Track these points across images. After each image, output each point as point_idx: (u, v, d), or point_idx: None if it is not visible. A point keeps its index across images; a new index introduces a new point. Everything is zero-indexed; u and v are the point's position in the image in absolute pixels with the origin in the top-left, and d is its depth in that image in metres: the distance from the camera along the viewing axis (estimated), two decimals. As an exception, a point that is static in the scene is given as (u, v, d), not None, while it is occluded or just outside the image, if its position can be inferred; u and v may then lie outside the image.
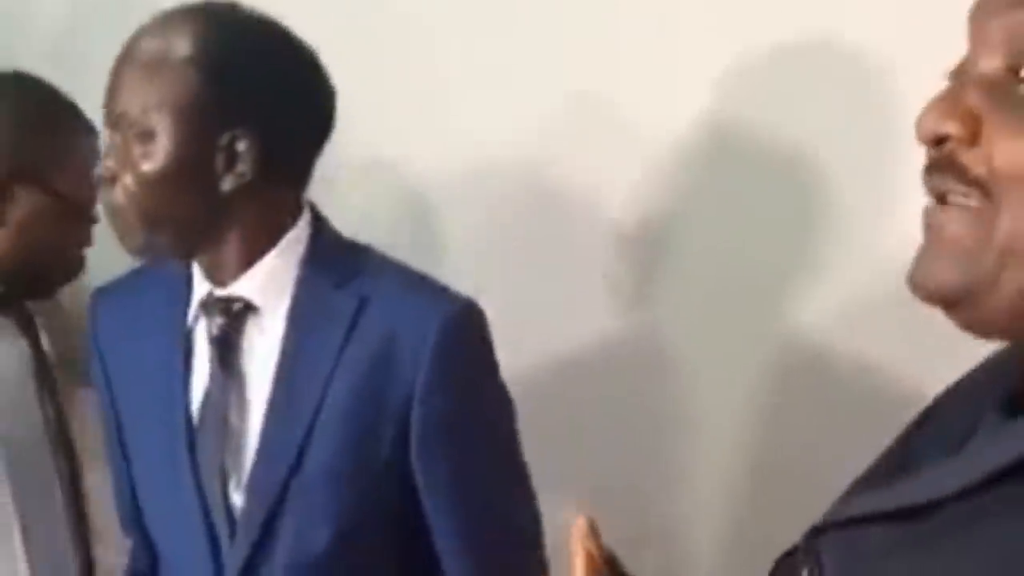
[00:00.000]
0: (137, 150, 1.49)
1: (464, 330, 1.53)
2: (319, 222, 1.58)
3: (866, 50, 1.70)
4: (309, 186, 1.59)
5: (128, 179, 1.50)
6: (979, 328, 0.87)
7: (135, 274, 1.67)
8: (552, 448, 1.67)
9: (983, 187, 0.84)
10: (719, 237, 1.89)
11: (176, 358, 1.58)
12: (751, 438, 1.89)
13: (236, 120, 1.48)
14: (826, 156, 1.78)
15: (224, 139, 1.49)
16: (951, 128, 0.85)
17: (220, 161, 1.49)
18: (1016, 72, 0.84)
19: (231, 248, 1.53)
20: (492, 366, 1.56)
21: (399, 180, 2.18)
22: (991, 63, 0.85)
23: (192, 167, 1.49)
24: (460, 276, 1.66)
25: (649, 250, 1.98)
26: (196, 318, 1.57)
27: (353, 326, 1.51)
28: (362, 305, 1.52)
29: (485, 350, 1.55)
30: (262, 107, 1.50)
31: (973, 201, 0.84)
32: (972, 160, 0.84)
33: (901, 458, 0.94)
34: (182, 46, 1.49)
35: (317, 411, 1.51)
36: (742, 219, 1.86)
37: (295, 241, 1.55)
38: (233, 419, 1.54)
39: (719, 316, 1.90)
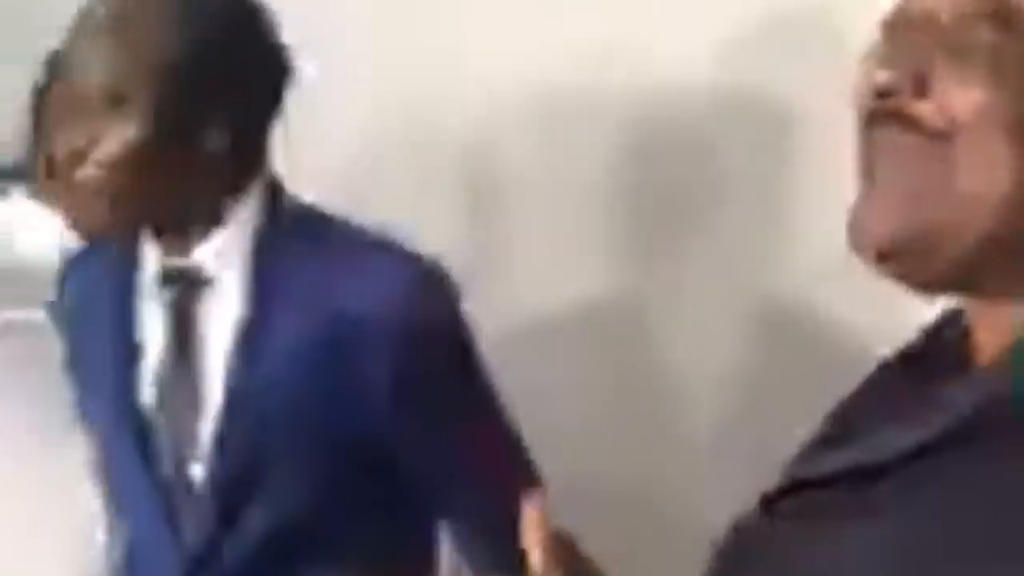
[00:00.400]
0: (108, 121, 1.44)
1: (427, 290, 1.50)
2: (275, 189, 1.54)
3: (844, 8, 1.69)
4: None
5: (97, 154, 1.44)
6: (926, 281, 0.85)
7: (100, 245, 1.63)
8: (537, 410, 1.67)
9: (942, 136, 0.82)
10: (700, 200, 1.89)
11: (126, 332, 1.54)
12: (731, 399, 1.89)
13: (214, 92, 1.45)
14: (804, 115, 1.77)
15: (201, 109, 1.45)
16: (899, 81, 0.83)
17: (195, 133, 1.45)
18: (970, 32, 0.82)
19: (193, 221, 1.49)
20: (457, 323, 1.53)
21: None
22: (945, 13, 0.83)
23: (169, 138, 1.45)
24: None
25: (632, 213, 1.97)
26: (149, 290, 1.53)
27: (314, 292, 1.47)
28: (322, 270, 1.48)
29: (449, 308, 1.52)
30: (238, 82, 1.47)
31: (921, 150, 0.82)
32: (925, 112, 0.82)
33: (850, 421, 0.93)
34: (158, 11, 1.45)
35: (281, 377, 1.47)
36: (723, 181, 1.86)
37: (248, 209, 1.51)
38: (188, 390, 1.51)
39: (699, 277, 1.90)
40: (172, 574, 1.52)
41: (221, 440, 1.49)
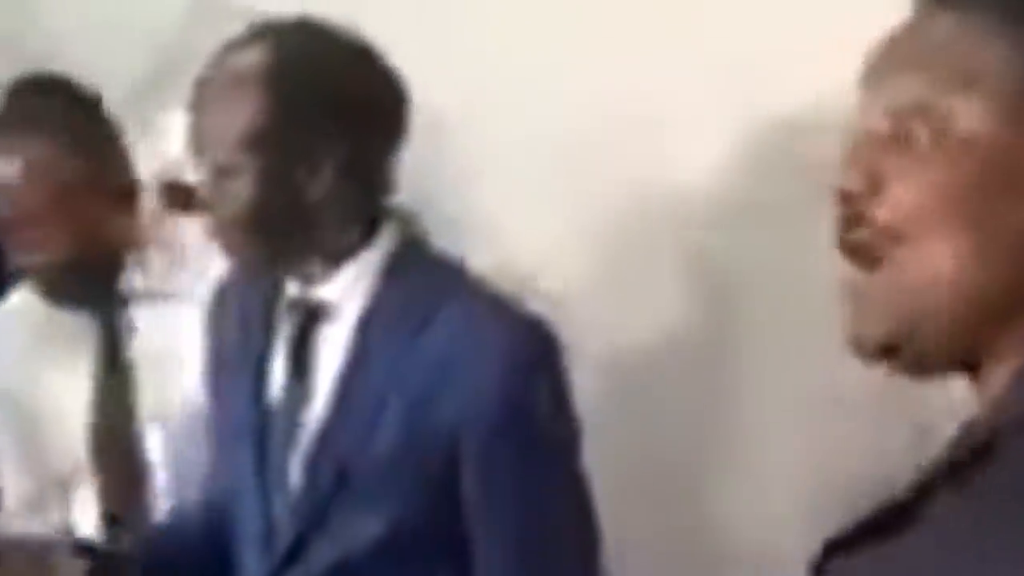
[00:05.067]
0: (221, 184, 1.59)
1: (528, 359, 1.57)
2: (409, 233, 1.65)
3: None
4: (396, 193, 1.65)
5: (220, 211, 1.60)
6: (922, 368, 0.96)
7: None
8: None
9: (891, 232, 0.93)
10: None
11: (262, 348, 1.68)
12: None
13: (315, 140, 1.57)
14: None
15: (305, 158, 1.57)
16: (856, 183, 0.94)
17: (303, 177, 1.58)
18: (907, 132, 0.94)
19: (315, 256, 1.62)
20: (556, 395, 1.59)
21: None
22: (884, 123, 0.95)
23: (276, 191, 1.58)
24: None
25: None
26: (282, 315, 1.67)
27: (416, 341, 1.58)
28: (426, 321, 1.58)
29: (549, 379, 1.59)
30: (338, 122, 1.58)
31: (883, 250, 0.93)
32: (878, 210, 0.93)
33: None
34: (254, 69, 1.57)
35: (375, 415, 1.58)
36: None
37: (377, 250, 1.62)
38: (300, 412, 1.63)
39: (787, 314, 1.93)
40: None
41: (313, 466, 1.61)
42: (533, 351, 1.59)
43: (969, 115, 0.93)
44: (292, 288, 1.66)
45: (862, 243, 0.94)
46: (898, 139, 0.94)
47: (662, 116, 1.99)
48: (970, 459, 0.90)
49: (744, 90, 1.91)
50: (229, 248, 1.64)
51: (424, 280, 1.62)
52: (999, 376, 0.93)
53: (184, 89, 1.65)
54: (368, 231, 1.63)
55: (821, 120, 1.65)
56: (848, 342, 0.96)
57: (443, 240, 1.71)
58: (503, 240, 2.10)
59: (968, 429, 0.95)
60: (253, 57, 1.59)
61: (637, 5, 2.02)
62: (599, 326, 2.00)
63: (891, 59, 0.98)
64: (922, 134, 0.94)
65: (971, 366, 0.95)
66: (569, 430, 1.60)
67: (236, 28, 1.63)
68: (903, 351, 0.94)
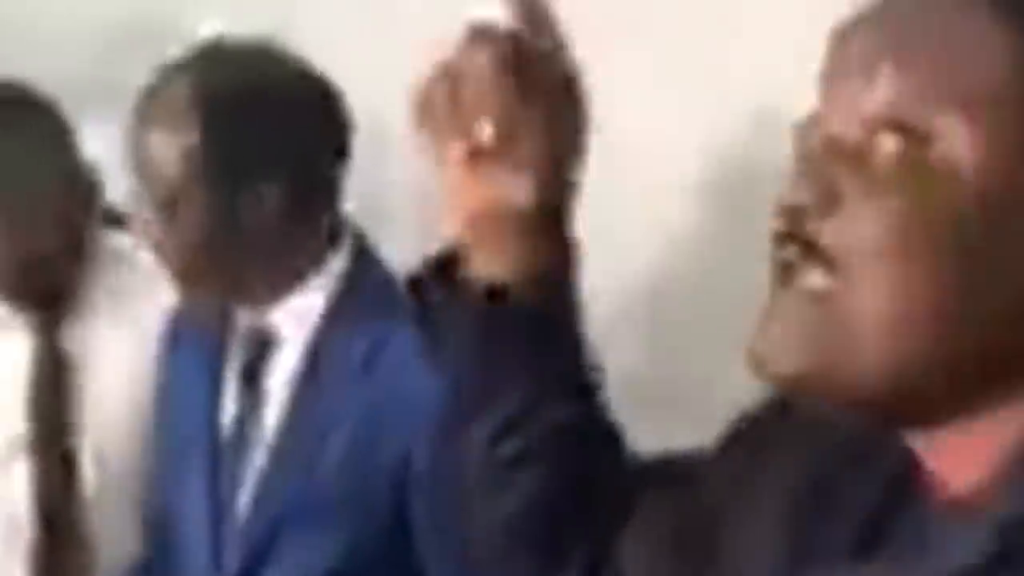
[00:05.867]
0: (166, 217, 1.55)
1: None
2: (363, 256, 1.62)
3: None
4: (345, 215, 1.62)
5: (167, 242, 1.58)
6: (840, 405, 0.81)
7: None
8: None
9: (829, 261, 0.78)
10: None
11: (211, 375, 1.66)
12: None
13: (256, 166, 1.55)
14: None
15: (249, 186, 1.54)
16: (807, 197, 0.79)
17: (248, 204, 1.55)
18: (872, 145, 0.78)
19: (265, 284, 1.59)
20: None
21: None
22: (847, 131, 0.79)
23: (222, 221, 1.56)
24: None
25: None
26: (233, 343, 1.65)
27: (364, 368, 1.56)
28: (375, 347, 1.56)
29: None
30: (279, 146, 1.56)
31: (818, 278, 0.78)
32: (823, 231, 0.78)
33: (805, 542, 0.85)
34: (189, 99, 1.54)
35: (324, 443, 1.56)
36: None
37: (328, 275, 1.60)
38: (251, 438, 1.62)
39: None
40: None
41: (263, 495, 1.60)
42: None
43: (954, 138, 0.76)
44: (242, 315, 1.64)
45: (794, 264, 0.79)
46: (862, 153, 0.78)
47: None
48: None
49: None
50: (181, 281, 1.61)
51: (375, 304, 1.59)
52: (974, 451, 0.78)
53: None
54: (321, 250, 1.60)
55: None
56: (747, 358, 0.81)
57: (392, 247, 1.68)
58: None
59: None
60: (186, 87, 1.56)
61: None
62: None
63: (864, 48, 0.80)
64: (893, 152, 0.77)
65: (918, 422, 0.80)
66: None
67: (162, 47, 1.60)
68: (813, 391, 0.80)
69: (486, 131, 0.93)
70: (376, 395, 1.55)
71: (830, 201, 0.78)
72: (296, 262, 1.59)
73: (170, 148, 1.54)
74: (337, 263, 1.60)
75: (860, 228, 0.77)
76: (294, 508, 1.57)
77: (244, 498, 1.61)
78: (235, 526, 1.61)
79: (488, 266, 0.97)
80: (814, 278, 0.79)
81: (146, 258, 1.94)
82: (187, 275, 1.60)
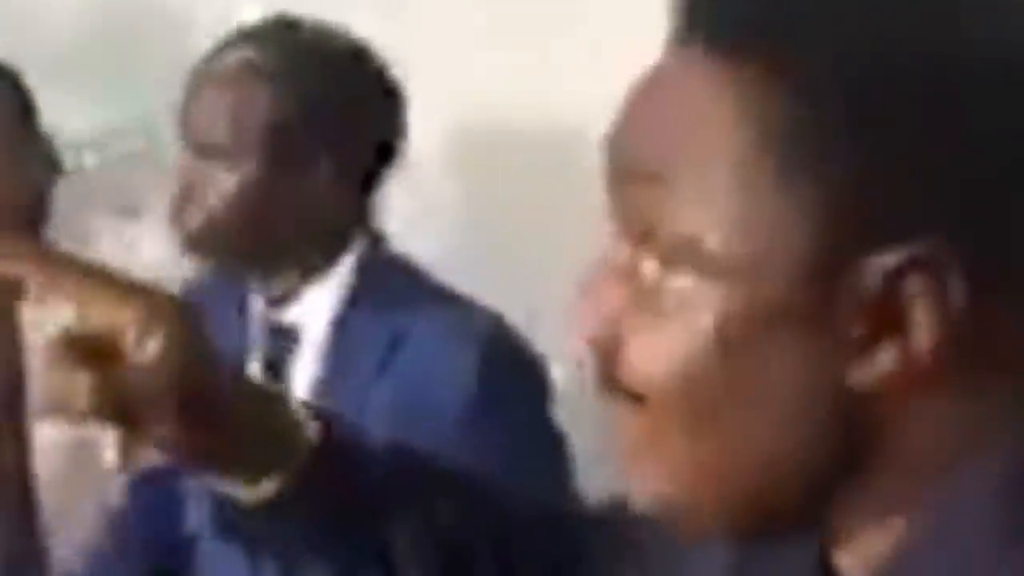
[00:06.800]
0: (219, 172, 1.52)
1: (502, 379, 1.52)
2: (375, 244, 1.59)
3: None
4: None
5: (210, 201, 1.52)
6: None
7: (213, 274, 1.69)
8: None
9: (631, 396, 0.70)
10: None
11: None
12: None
13: (315, 142, 1.52)
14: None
15: (303, 162, 1.52)
16: (595, 331, 0.70)
17: (297, 185, 1.53)
18: (639, 262, 0.69)
19: (290, 270, 1.56)
20: (532, 410, 1.54)
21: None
22: (622, 247, 0.70)
23: (276, 189, 1.53)
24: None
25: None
26: (252, 339, 1.61)
27: (384, 360, 1.52)
28: (395, 340, 1.53)
29: (524, 394, 1.54)
30: (336, 126, 1.53)
31: (634, 412, 0.70)
32: (620, 365, 0.70)
33: None
34: (263, 66, 1.52)
35: None
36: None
37: (346, 265, 1.57)
38: None
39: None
40: None
41: None
42: (507, 371, 1.54)
43: (699, 245, 0.66)
44: (257, 306, 1.59)
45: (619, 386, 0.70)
46: (632, 271, 0.69)
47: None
48: None
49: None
50: (209, 241, 1.55)
51: (392, 295, 1.57)
52: (862, 554, 0.70)
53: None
54: (350, 236, 1.58)
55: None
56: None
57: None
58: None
59: None
60: (256, 48, 1.54)
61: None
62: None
63: (628, 126, 0.69)
64: (650, 269, 0.68)
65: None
66: (548, 441, 1.56)
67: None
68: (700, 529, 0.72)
69: None
70: (399, 388, 1.51)
71: (615, 334, 0.70)
72: (329, 241, 1.56)
73: (230, 101, 1.52)
74: (353, 255, 1.57)
75: (637, 365, 0.69)
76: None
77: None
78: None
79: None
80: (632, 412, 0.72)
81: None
82: (217, 235, 1.54)
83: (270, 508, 0.90)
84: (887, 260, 0.64)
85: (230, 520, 0.93)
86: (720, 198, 0.66)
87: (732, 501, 0.70)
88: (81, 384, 0.82)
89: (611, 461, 0.72)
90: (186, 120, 1.55)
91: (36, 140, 2.02)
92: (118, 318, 0.83)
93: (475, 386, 1.48)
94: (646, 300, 0.68)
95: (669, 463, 0.70)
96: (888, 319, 0.64)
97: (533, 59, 2.03)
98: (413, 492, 0.97)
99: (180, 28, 2.14)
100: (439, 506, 0.97)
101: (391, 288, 1.57)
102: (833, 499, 0.69)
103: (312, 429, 0.92)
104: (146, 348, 0.82)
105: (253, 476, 0.90)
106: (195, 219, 1.53)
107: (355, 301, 1.56)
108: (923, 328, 0.64)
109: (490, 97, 2.05)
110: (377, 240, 1.61)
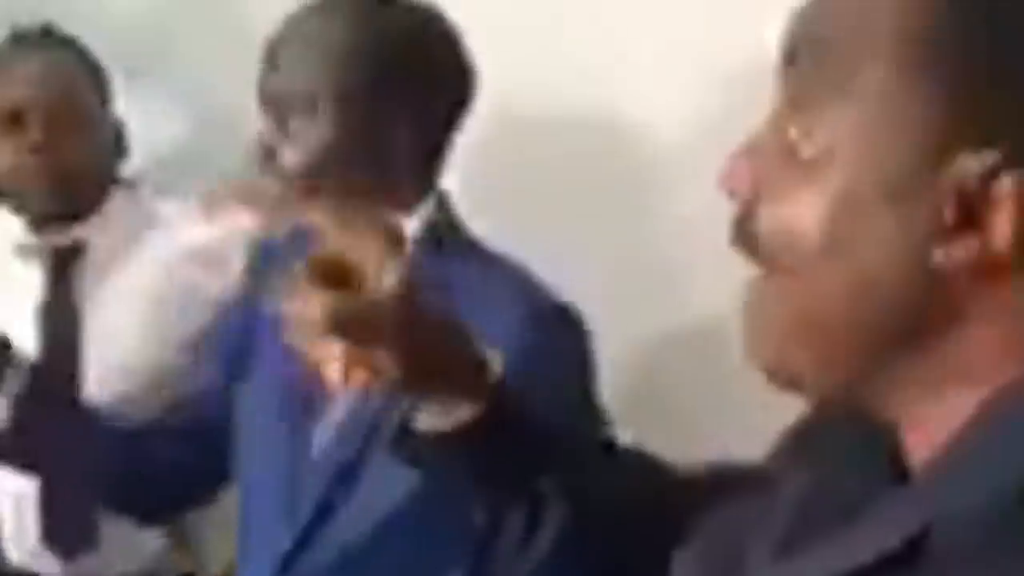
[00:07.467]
0: (299, 126, 1.57)
1: (557, 347, 1.54)
2: (442, 208, 1.65)
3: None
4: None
5: (290, 154, 1.59)
6: (824, 391, 0.83)
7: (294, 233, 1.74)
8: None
9: (758, 252, 0.81)
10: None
11: None
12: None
13: (394, 106, 1.58)
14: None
15: (382, 125, 1.58)
16: (734, 185, 0.83)
17: (381, 135, 1.58)
18: (783, 141, 0.81)
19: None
20: (583, 384, 1.57)
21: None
22: (780, 123, 0.82)
23: (356, 138, 1.58)
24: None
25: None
26: None
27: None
28: (458, 301, 1.53)
29: (578, 367, 1.57)
30: (423, 86, 1.59)
31: (762, 268, 0.82)
32: (755, 221, 0.81)
33: (803, 528, 0.85)
34: (341, 16, 1.58)
35: None
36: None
37: (412, 227, 1.62)
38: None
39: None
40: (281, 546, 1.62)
41: (344, 429, 1.60)
42: (562, 341, 1.57)
43: (835, 122, 0.78)
44: None
45: (752, 238, 0.82)
46: (782, 143, 0.80)
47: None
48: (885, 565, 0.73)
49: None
50: (298, 193, 1.61)
51: (450, 255, 1.61)
52: (927, 433, 0.79)
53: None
54: (418, 197, 1.64)
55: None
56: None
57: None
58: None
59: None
60: (343, 6, 1.60)
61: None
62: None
63: (796, 28, 0.82)
64: (797, 141, 0.80)
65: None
66: (592, 419, 1.58)
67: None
68: (793, 383, 0.82)
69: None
70: None
71: (755, 192, 0.82)
72: (404, 198, 1.62)
73: (318, 54, 1.57)
74: (418, 219, 1.63)
75: (767, 223, 0.81)
76: (374, 442, 1.55)
77: (323, 435, 1.61)
78: (311, 464, 1.60)
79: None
80: (760, 269, 0.83)
81: (162, 208, 1.97)
82: (301, 188, 1.59)
83: (460, 436, 1.04)
84: (985, 159, 0.74)
85: (413, 445, 1.06)
86: (861, 83, 0.77)
87: (820, 353, 0.80)
88: (318, 303, 0.96)
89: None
90: (267, 80, 1.61)
91: (108, 111, 2.11)
92: (361, 251, 0.97)
93: (525, 338, 1.49)
94: (787, 167, 0.80)
95: (775, 315, 0.81)
96: (975, 211, 0.75)
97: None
98: (557, 445, 1.10)
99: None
100: (578, 461, 1.10)
101: (450, 247, 1.63)
102: (899, 375, 0.79)
103: (497, 364, 1.07)
104: (384, 279, 0.97)
105: (450, 404, 1.04)
106: (292, 159, 1.59)
107: (423, 255, 1.58)
108: (1005, 223, 0.74)
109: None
110: (442, 201, 1.67)
